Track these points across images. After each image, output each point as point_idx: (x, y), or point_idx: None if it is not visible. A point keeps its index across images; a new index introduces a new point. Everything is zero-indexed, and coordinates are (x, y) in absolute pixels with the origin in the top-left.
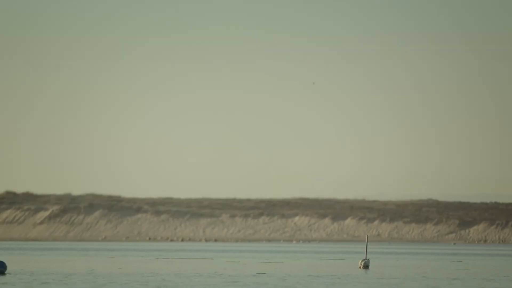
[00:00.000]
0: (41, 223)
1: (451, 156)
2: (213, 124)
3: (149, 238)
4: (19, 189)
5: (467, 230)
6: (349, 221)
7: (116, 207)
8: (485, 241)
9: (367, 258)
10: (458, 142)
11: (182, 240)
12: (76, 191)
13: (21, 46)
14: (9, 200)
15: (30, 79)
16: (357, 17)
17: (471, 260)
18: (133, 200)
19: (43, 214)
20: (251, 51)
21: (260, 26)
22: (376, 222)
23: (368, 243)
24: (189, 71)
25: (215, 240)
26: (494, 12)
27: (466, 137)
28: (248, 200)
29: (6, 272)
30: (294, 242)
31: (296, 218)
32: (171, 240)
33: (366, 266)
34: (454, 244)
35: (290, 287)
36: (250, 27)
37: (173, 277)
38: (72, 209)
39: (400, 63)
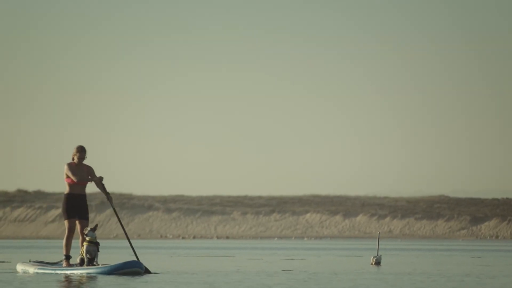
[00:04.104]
0: (53, 221)
1: (462, 152)
2: (224, 122)
3: (161, 236)
4: (31, 187)
5: (478, 226)
6: (361, 218)
7: (127, 205)
8: (497, 237)
9: (379, 255)
10: (469, 138)
11: (194, 237)
12: (87, 189)
13: (26, 46)
14: (21, 198)
15: (37, 78)
16: (357, 17)
17: (491, 257)
18: (145, 198)
19: (54, 212)
20: (251, 51)
21: (260, 26)
22: (387, 219)
23: (379, 239)
24: (195, 70)
25: (227, 238)
26: (495, 11)
27: (477, 133)
28: (259, 197)
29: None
30: (305, 239)
31: (308, 215)
32: (183, 238)
33: (378, 263)
34: (462, 240)
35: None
36: (250, 27)
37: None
38: None
39: (403, 61)
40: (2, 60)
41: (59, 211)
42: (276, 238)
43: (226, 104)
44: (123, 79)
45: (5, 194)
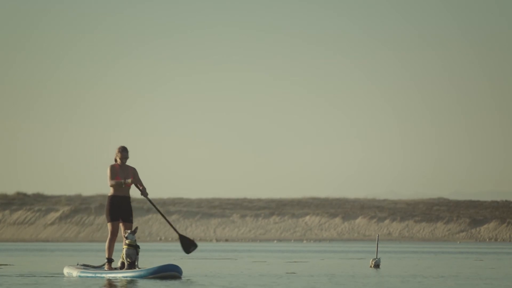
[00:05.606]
0: (52, 224)
1: (461, 154)
2: (224, 124)
3: (160, 239)
4: (30, 190)
5: (477, 229)
6: (360, 220)
7: None
8: (496, 239)
9: (377, 257)
10: (469, 140)
11: (193, 240)
12: (87, 192)
13: (25, 48)
14: (20, 201)
15: (38, 79)
16: (357, 17)
17: (492, 259)
18: (144, 201)
19: (53, 215)
20: (251, 51)
21: (259, 26)
22: (386, 221)
23: (378, 242)
24: (195, 72)
25: (226, 240)
26: (494, 10)
27: (476, 136)
28: (259, 200)
29: (182, 276)
30: (305, 241)
31: (307, 218)
32: None
33: (377, 265)
34: (460, 242)
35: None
36: (249, 27)
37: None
38: (82, 209)
39: (403, 62)
40: (1, 61)
41: (58, 213)
42: (275, 241)
43: (225, 105)
44: (122, 81)
45: (4, 196)
